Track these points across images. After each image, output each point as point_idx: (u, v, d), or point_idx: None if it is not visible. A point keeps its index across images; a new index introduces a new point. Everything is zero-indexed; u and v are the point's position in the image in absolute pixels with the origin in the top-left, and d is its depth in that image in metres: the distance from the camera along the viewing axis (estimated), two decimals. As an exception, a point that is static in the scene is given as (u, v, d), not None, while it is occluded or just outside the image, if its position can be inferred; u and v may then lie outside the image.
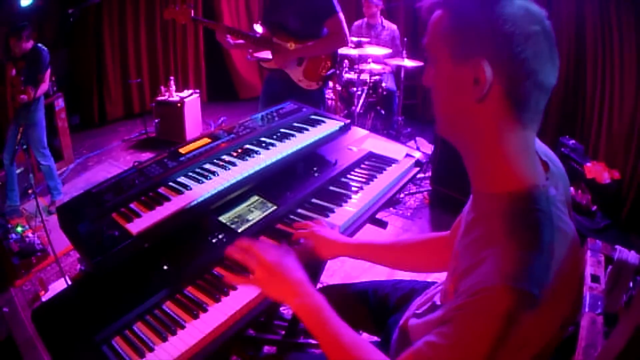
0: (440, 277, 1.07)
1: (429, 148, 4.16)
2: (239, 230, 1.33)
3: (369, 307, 1.38)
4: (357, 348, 0.85)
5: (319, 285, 1.98)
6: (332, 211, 1.46)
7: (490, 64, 0.72)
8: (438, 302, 0.94)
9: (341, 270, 2.72)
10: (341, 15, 2.55)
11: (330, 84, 4.07)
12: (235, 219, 1.37)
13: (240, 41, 2.66)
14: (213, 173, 1.45)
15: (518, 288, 0.65)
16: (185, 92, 4.86)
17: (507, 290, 0.65)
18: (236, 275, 1.08)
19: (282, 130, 1.74)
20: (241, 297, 1.12)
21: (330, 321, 0.90)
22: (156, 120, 4.77)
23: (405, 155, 1.77)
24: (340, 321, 0.90)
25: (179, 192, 1.35)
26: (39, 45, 3.46)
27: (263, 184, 1.51)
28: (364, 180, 1.63)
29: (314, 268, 1.35)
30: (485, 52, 0.72)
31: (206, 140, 1.61)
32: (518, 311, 0.65)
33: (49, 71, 3.51)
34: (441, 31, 0.77)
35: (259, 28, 2.75)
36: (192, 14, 2.54)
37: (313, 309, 0.92)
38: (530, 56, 0.71)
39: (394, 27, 4.65)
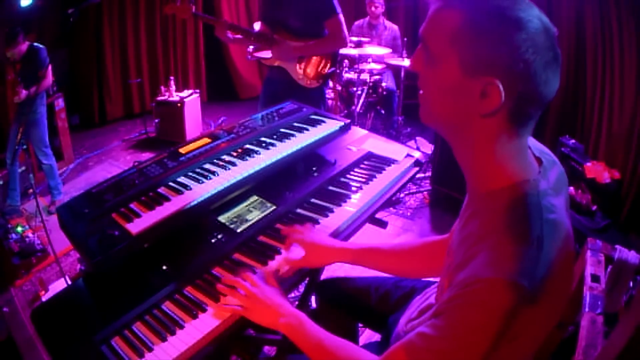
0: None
1: (429, 148, 4.16)
2: (238, 230, 1.33)
3: (370, 304, 1.38)
4: (341, 349, 0.93)
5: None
6: (332, 211, 1.46)
7: (504, 86, 0.71)
8: (434, 302, 0.94)
9: (341, 270, 2.71)
10: (341, 17, 2.56)
11: (331, 83, 4.07)
12: (235, 219, 1.37)
13: (239, 36, 2.65)
14: (213, 173, 1.45)
15: (511, 281, 0.65)
16: (185, 92, 4.86)
17: (500, 283, 0.65)
18: (225, 306, 1.11)
19: (282, 130, 1.74)
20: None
21: (312, 331, 0.98)
22: (156, 120, 4.77)
23: (405, 155, 1.77)
24: (322, 330, 0.98)
25: (179, 192, 1.35)
26: (35, 44, 3.46)
27: (262, 184, 1.51)
28: (363, 180, 1.62)
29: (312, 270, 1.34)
30: (500, 74, 0.70)
31: (206, 140, 1.61)
32: (511, 303, 0.65)
33: (50, 67, 3.49)
34: (451, 32, 0.73)
35: (258, 26, 2.75)
36: (194, 10, 2.54)
37: (296, 324, 1.00)
38: (542, 82, 0.71)
39: (395, 27, 4.65)
